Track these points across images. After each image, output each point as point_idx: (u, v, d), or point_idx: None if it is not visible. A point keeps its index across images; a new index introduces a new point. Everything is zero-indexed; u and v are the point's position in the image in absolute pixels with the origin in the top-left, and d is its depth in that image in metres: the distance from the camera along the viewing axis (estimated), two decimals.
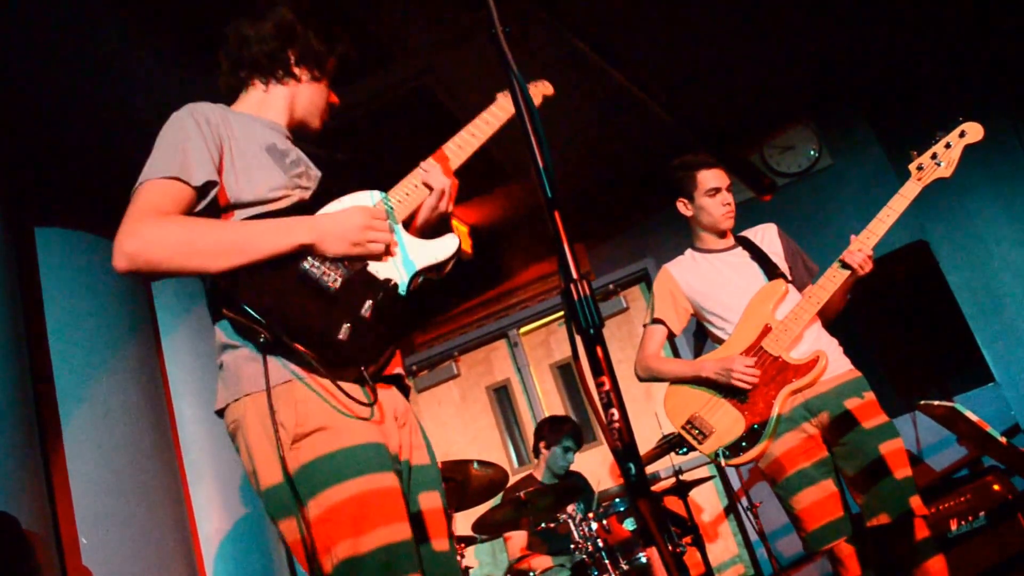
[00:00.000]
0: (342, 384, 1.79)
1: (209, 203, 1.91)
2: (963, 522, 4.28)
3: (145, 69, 3.98)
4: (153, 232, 1.78)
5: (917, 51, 5.79)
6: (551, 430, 5.21)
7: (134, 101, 4.14)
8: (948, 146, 3.14)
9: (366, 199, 2.08)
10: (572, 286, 1.39)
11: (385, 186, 2.19)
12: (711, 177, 3.43)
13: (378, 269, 1.96)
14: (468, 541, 4.36)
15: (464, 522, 4.38)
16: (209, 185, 1.89)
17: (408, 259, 2.03)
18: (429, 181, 2.17)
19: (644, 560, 4.15)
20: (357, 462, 1.79)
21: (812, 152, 6.12)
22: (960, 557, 4.07)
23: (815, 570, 5.32)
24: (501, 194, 6.14)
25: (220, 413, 1.95)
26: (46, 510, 3.54)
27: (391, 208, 2.10)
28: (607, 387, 1.31)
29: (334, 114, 2.36)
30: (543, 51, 4.49)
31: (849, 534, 3.14)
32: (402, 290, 1.96)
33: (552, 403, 6.74)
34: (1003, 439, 4.00)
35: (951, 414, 4.00)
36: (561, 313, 6.75)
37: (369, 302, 1.87)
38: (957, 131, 3.16)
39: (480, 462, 4.12)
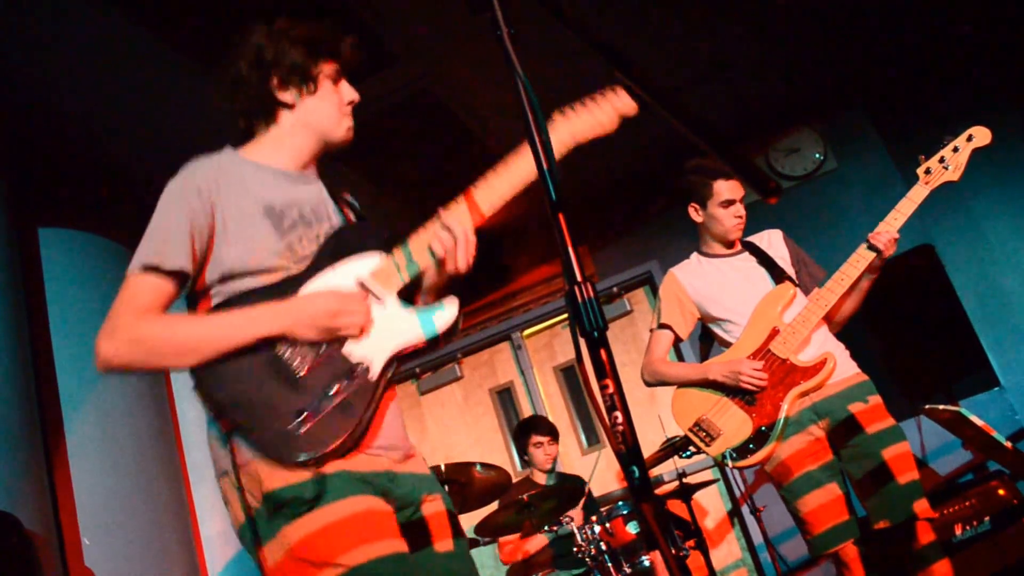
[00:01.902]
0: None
1: (194, 283, 1.89)
2: (968, 527, 4.26)
3: (150, 70, 3.99)
4: (124, 335, 1.78)
5: (923, 55, 5.78)
6: (517, 436, 5.27)
7: (138, 102, 4.15)
8: (956, 150, 3.13)
9: (363, 267, 1.96)
10: (576, 288, 1.38)
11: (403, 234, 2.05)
12: (727, 188, 3.40)
13: (352, 350, 1.87)
14: (470, 544, 4.35)
15: (466, 524, 4.37)
16: (181, 275, 1.86)
17: (389, 337, 1.92)
18: (442, 240, 1.99)
19: (647, 563, 4.14)
20: (329, 490, 1.76)
21: (817, 155, 6.12)
22: (965, 562, 4.05)
23: (820, 574, 5.30)
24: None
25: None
26: (48, 511, 3.54)
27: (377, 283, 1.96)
28: (611, 390, 1.30)
29: (358, 112, 2.22)
30: (546, 51, 4.47)
31: (856, 536, 3.13)
32: (374, 374, 1.87)
33: (555, 406, 6.73)
34: (1008, 444, 3.99)
35: (956, 418, 3.99)
36: (565, 316, 6.74)
37: (335, 386, 1.81)
38: (965, 135, 3.15)
39: (483, 464, 4.11)
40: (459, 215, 2.03)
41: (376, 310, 1.93)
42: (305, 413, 1.76)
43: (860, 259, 3.15)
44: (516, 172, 2.12)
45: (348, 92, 2.18)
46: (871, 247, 3.14)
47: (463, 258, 2.00)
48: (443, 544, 1.97)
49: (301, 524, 1.72)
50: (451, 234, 1.98)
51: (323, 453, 1.75)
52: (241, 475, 1.76)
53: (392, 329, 1.94)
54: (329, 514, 1.73)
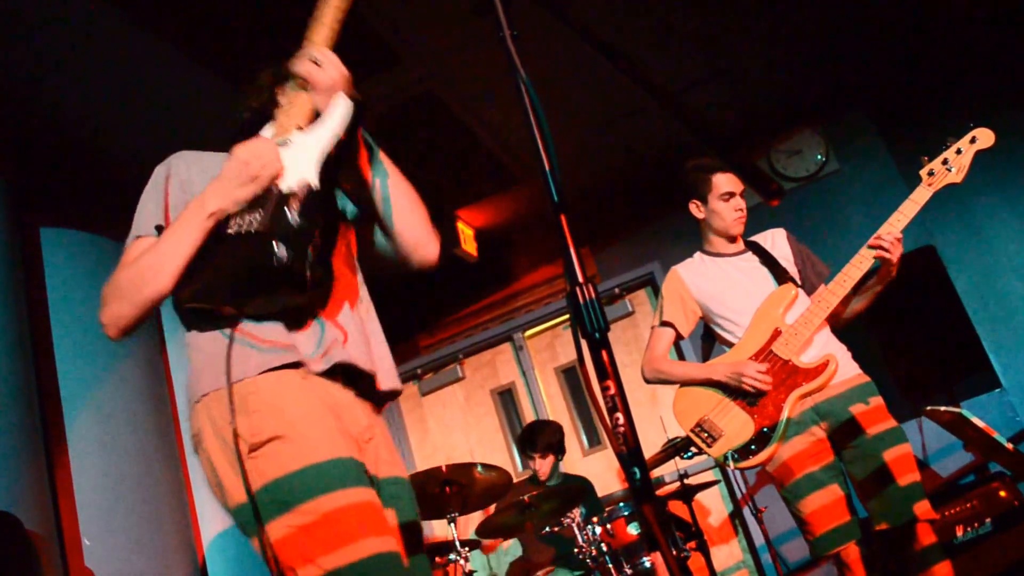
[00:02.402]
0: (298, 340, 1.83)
1: None
2: (969, 528, 4.26)
3: (153, 71, 3.99)
4: (106, 291, 1.88)
5: (925, 56, 5.78)
6: (518, 444, 5.32)
7: (141, 102, 4.15)
8: (959, 152, 3.13)
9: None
10: (578, 290, 1.38)
11: None
12: (726, 181, 3.42)
13: (285, 185, 1.90)
14: (472, 545, 4.35)
15: (468, 526, 4.37)
16: (157, 229, 1.94)
17: (307, 156, 1.95)
18: (309, 70, 2.01)
19: (648, 565, 4.14)
20: (329, 477, 1.75)
21: (819, 157, 6.11)
22: (966, 564, 4.05)
23: (821, 575, 5.30)
24: (507, 197, 6.14)
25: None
26: (49, 511, 3.54)
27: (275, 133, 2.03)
28: (612, 391, 1.31)
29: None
30: (550, 54, 4.48)
31: (858, 537, 3.12)
32: (315, 184, 1.90)
33: (557, 407, 6.73)
34: (1010, 445, 3.97)
35: (958, 420, 3.98)
36: (566, 316, 6.74)
37: (292, 215, 1.83)
38: (968, 137, 3.15)
39: (484, 465, 4.11)
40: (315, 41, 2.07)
41: (285, 150, 1.97)
42: (279, 242, 1.78)
43: (863, 260, 3.15)
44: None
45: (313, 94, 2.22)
46: (873, 247, 3.14)
47: (330, 73, 2.01)
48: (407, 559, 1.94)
49: (314, 505, 1.71)
50: (315, 61, 2.01)
51: (313, 254, 1.80)
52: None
53: (307, 146, 1.97)
54: (340, 499, 1.73)
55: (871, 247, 3.13)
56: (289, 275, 1.79)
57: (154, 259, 1.84)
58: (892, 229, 3.10)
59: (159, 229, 1.93)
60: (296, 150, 1.96)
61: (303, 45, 2.07)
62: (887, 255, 3.10)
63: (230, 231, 1.84)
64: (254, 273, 1.80)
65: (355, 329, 1.99)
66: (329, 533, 1.70)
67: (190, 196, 1.95)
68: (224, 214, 1.85)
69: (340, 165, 2.01)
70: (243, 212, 1.85)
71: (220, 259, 1.83)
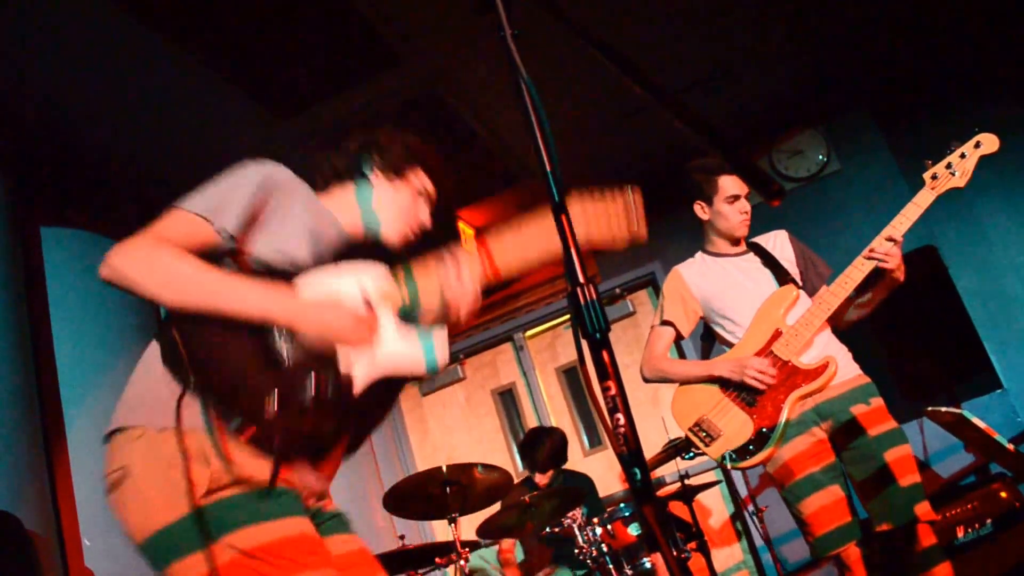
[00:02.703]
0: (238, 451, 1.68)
1: (225, 252, 1.89)
2: (970, 529, 4.25)
3: (154, 70, 3.99)
4: (145, 254, 1.76)
5: (926, 57, 5.78)
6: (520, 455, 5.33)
7: (142, 101, 4.15)
8: (963, 156, 3.12)
9: (367, 276, 1.95)
10: (579, 290, 1.38)
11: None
12: (732, 184, 3.40)
13: (347, 362, 1.84)
14: (472, 546, 4.35)
15: (468, 526, 4.37)
16: (220, 236, 1.85)
17: (379, 359, 1.89)
18: (446, 289, 1.98)
19: (649, 565, 4.14)
20: (279, 506, 1.70)
21: (821, 157, 6.11)
22: (966, 565, 4.04)
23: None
24: (508, 197, 6.14)
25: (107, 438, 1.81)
26: (49, 511, 3.54)
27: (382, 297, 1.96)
28: (613, 392, 1.30)
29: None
30: (550, 54, 4.47)
31: (858, 538, 3.12)
32: (356, 389, 1.84)
33: (557, 407, 6.73)
34: (1011, 446, 3.97)
35: (959, 421, 3.97)
36: (567, 316, 6.74)
37: (316, 382, 1.75)
38: (972, 142, 3.14)
39: (484, 465, 4.11)
40: (471, 264, 2.02)
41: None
42: (278, 394, 1.70)
43: (864, 263, 3.14)
44: (533, 243, 2.14)
45: (424, 216, 2.23)
46: (870, 257, 3.13)
47: (465, 311, 1.99)
48: None
49: (259, 530, 1.65)
50: (460, 285, 1.98)
51: (283, 445, 1.70)
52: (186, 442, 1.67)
53: (383, 347, 1.91)
54: (285, 528, 1.68)
55: (867, 258, 3.12)
56: (308, 440, 1.75)
57: (193, 283, 1.75)
58: (893, 233, 3.10)
59: (219, 238, 1.84)
60: (381, 335, 1.90)
61: (460, 239, 2.08)
62: (884, 264, 3.09)
63: (270, 338, 1.77)
64: (281, 413, 1.70)
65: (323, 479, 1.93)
66: (282, 559, 1.65)
67: (279, 233, 1.90)
68: (286, 328, 1.78)
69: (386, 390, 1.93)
70: (297, 345, 1.78)
71: (236, 349, 1.74)
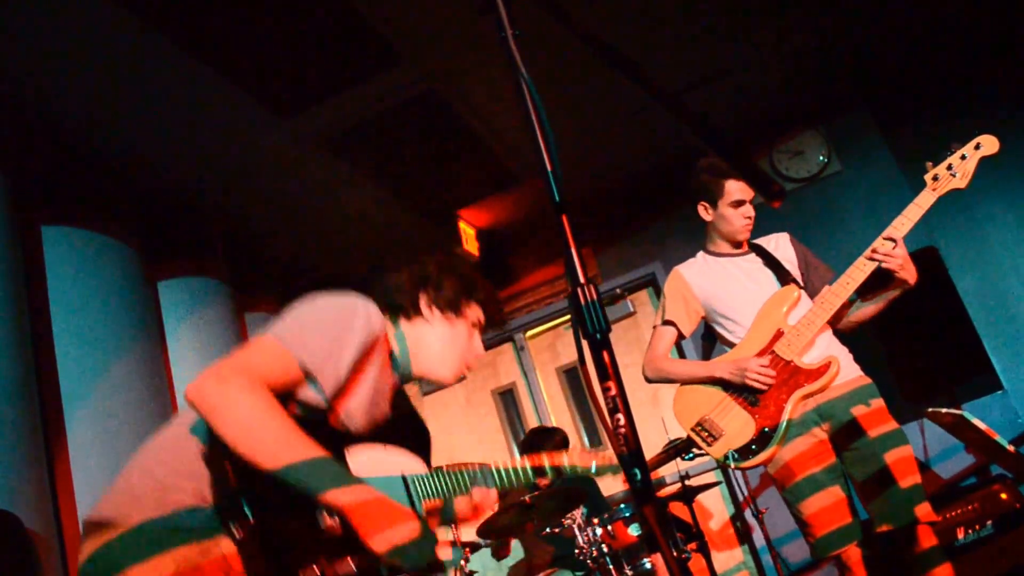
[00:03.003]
0: None
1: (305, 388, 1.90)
2: (970, 531, 4.25)
3: (155, 68, 3.99)
4: (236, 396, 1.74)
5: (928, 57, 5.77)
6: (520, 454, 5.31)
7: (142, 100, 4.15)
8: (964, 157, 3.12)
9: (410, 466, 2.04)
10: (579, 290, 1.37)
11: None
12: (738, 189, 3.39)
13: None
14: (473, 547, 4.34)
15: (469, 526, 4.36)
16: (316, 385, 1.87)
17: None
18: (477, 506, 2.15)
19: (649, 566, 4.13)
20: None
21: (821, 158, 6.11)
22: (967, 566, 4.03)
23: None
24: (508, 197, 6.14)
25: (91, 527, 1.80)
26: (49, 510, 3.53)
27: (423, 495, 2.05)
28: (613, 392, 1.30)
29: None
30: (551, 54, 4.47)
31: (859, 539, 3.12)
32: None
33: (558, 407, 6.72)
34: (1011, 447, 3.96)
35: (959, 422, 3.96)
36: (567, 317, 6.74)
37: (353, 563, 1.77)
38: (973, 143, 3.14)
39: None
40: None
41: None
42: (314, 567, 1.72)
43: (866, 264, 3.14)
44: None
45: (478, 347, 2.27)
46: (872, 258, 3.12)
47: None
48: None
49: None
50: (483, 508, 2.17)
51: None
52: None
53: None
54: None
55: (869, 259, 3.11)
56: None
57: (272, 452, 1.70)
58: (893, 233, 3.09)
59: (316, 387, 1.87)
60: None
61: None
62: (887, 265, 3.08)
63: (320, 517, 1.78)
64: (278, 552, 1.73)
65: None
66: None
67: (357, 397, 1.95)
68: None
69: None
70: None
71: (287, 513, 1.76)
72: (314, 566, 1.72)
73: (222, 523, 1.70)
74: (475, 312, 2.23)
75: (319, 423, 1.90)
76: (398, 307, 2.17)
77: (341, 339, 1.92)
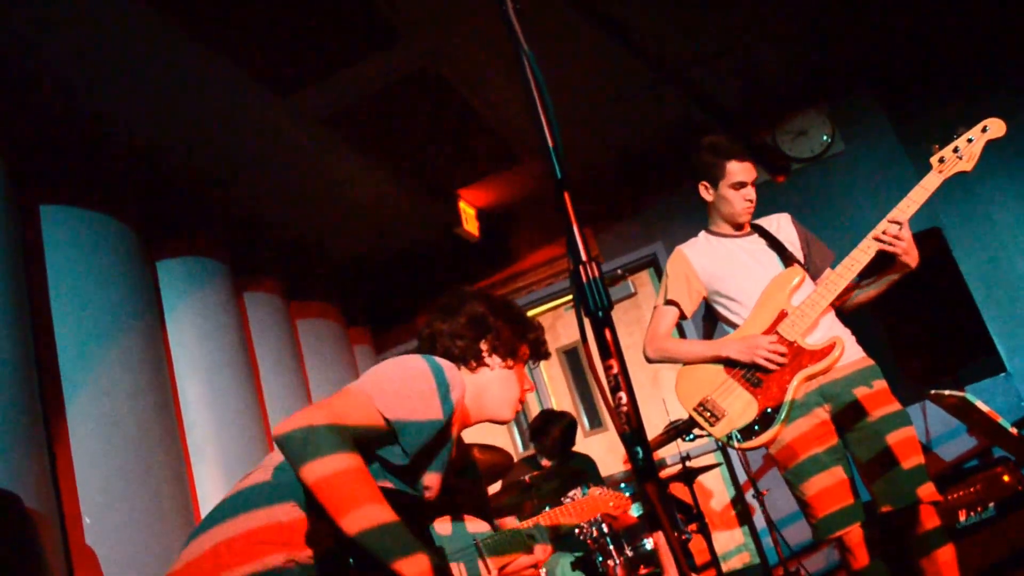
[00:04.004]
0: None
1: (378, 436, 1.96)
2: (972, 513, 4.26)
3: (156, 47, 3.96)
4: (331, 451, 1.77)
5: (932, 37, 5.73)
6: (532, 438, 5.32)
7: (143, 78, 4.12)
8: (970, 140, 3.10)
9: (474, 532, 2.17)
10: (581, 267, 1.36)
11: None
12: (740, 170, 3.36)
13: None
14: None
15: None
16: (398, 450, 1.94)
17: None
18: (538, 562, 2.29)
19: (649, 547, 4.13)
20: None
21: (825, 138, 6.07)
22: (969, 548, 4.04)
23: (822, 558, 5.30)
24: (509, 177, 6.11)
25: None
26: (49, 489, 3.53)
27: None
28: (615, 370, 1.28)
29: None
30: (554, 30, 4.44)
31: (861, 520, 3.11)
32: None
33: (558, 388, 6.72)
34: (1014, 430, 3.96)
35: (962, 404, 3.96)
36: (568, 297, 6.72)
37: None
38: (980, 126, 3.12)
39: (481, 446, 4.10)
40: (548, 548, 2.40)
41: None
42: None
43: (870, 246, 3.12)
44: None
45: (528, 382, 2.39)
46: (876, 240, 3.10)
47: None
48: None
49: None
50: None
51: None
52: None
53: None
54: None
55: (876, 240, 3.09)
56: None
57: (345, 508, 1.75)
58: (898, 216, 3.07)
59: (396, 444, 1.95)
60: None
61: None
62: (891, 249, 3.06)
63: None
64: None
65: None
66: None
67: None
68: None
69: None
70: None
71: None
72: None
73: None
74: (526, 351, 2.35)
75: (399, 492, 1.98)
76: (459, 359, 2.25)
77: (429, 406, 2.00)
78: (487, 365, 2.26)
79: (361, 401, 1.91)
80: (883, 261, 3.15)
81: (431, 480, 2.05)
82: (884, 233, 3.05)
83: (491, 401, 2.27)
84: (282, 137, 4.89)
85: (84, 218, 4.21)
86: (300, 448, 1.76)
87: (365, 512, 1.76)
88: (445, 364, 2.10)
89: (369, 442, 1.91)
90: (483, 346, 2.25)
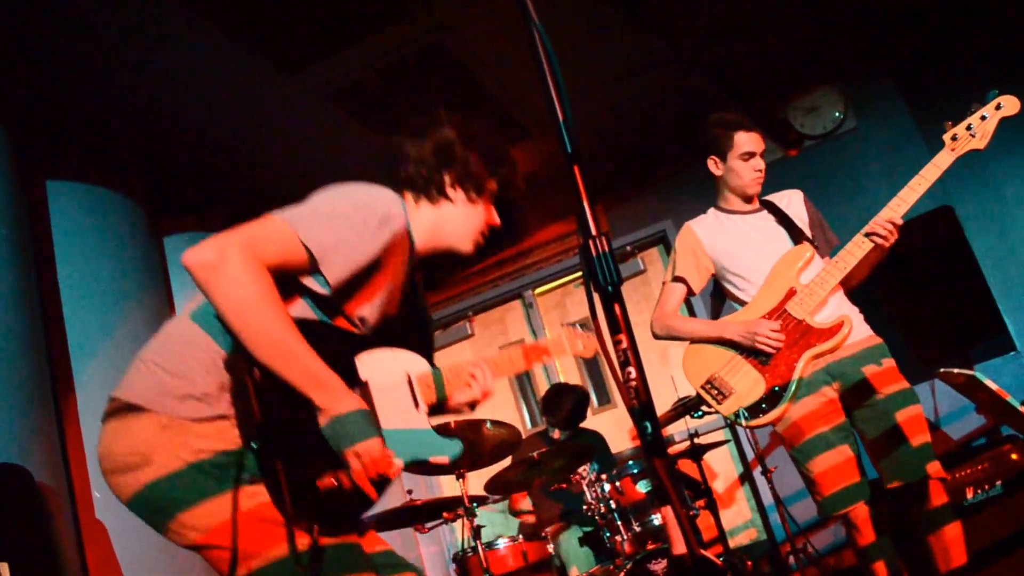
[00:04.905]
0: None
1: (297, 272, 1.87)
2: (979, 490, 4.25)
3: (160, 22, 3.93)
4: (239, 275, 1.73)
5: (945, 14, 5.66)
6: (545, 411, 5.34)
7: (146, 54, 4.10)
8: (984, 118, 3.08)
9: (412, 365, 2.06)
10: (591, 242, 1.35)
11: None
12: (748, 140, 3.35)
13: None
14: (480, 501, 4.36)
15: (476, 482, 4.38)
16: (323, 283, 1.86)
17: (404, 446, 1.94)
18: (472, 391, 2.20)
19: (657, 522, 4.14)
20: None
21: (837, 114, 6.02)
22: (976, 526, 4.03)
23: (829, 535, 5.30)
24: (518, 152, 6.07)
25: (116, 410, 1.87)
26: (59, 464, 3.55)
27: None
28: (624, 345, 1.27)
29: (490, 236, 2.29)
30: (565, 5, 4.40)
31: (867, 498, 3.12)
32: (397, 468, 1.88)
33: (566, 365, 6.72)
34: (1023, 408, 3.95)
35: (971, 382, 3.95)
36: (577, 274, 6.72)
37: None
38: (994, 103, 3.10)
39: (493, 422, 4.11)
40: (490, 372, 2.25)
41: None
42: (327, 477, 1.76)
43: (860, 245, 3.12)
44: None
45: (493, 216, 2.26)
46: (869, 236, 3.08)
47: (473, 402, 2.23)
48: None
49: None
50: (477, 385, 2.19)
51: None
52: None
53: (411, 437, 1.99)
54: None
55: (866, 234, 3.08)
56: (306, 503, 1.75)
57: (274, 342, 1.73)
58: (893, 215, 3.05)
59: (322, 280, 1.85)
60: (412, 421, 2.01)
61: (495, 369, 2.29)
62: (884, 243, 3.05)
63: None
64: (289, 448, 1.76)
65: None
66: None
67: (368, 299, 1.95)
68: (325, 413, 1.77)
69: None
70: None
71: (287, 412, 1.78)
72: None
73: (258, 464, 1.71)
74: (495, 185, 2.22)
75: (326, 325, 1.90)
76: (421, 188, 2.15)
77: (358, 235, 1.88)
78: (448, 198, 2.14)
79: (278, 227, 1.82)
80: None
81: (367, 312, 1.96)
82: (877, 225, 3.05)
83: (449, 233, 2.16)
84: (290, 114, 4.87)
85: (91, 193, 4.21)
86: (207, 273, 1.73)
87: (272, 337, 1.73)
88: (386, 196, 1.99)
89: (289, 271, 1.82)
90: (447, 177, 2.14)
